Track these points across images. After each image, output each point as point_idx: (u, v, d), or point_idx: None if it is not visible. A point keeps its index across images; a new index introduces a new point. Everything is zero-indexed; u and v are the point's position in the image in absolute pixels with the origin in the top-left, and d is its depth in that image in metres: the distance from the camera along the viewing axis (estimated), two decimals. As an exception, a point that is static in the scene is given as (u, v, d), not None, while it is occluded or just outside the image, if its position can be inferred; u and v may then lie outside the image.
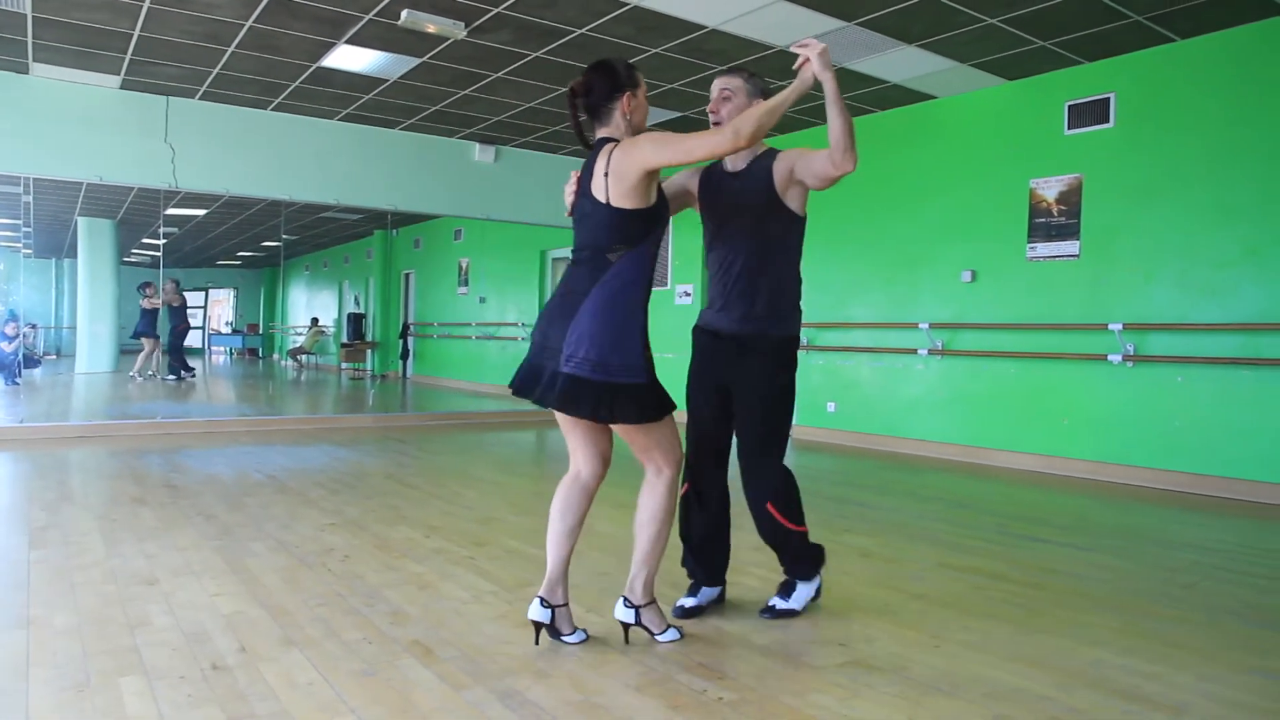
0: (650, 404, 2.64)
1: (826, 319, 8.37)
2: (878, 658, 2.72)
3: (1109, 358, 6.23)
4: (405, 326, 15.01)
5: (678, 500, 2.85)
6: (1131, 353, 6.13)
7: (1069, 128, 6.56)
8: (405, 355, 14.95)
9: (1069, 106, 6.56)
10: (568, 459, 2.93)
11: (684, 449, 2.85)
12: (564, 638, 2.75)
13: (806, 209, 3.02)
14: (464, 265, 14.03)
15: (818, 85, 2.73)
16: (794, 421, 9.33)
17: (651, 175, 2.59)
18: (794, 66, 2.78)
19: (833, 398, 8.33)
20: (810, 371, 8.53)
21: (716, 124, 2.90)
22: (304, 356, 15.02)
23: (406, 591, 3.31)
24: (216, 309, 15.65)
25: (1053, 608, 3.29)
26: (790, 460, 7.63)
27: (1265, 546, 4.44)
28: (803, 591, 3.10)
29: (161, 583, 3.34)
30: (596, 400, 2.56)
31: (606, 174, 2.60)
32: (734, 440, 3.09)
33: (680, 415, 2.91)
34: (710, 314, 3.10)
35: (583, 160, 2.81)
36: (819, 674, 2.59)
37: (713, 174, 3.08)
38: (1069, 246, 6.54)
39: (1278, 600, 3.48)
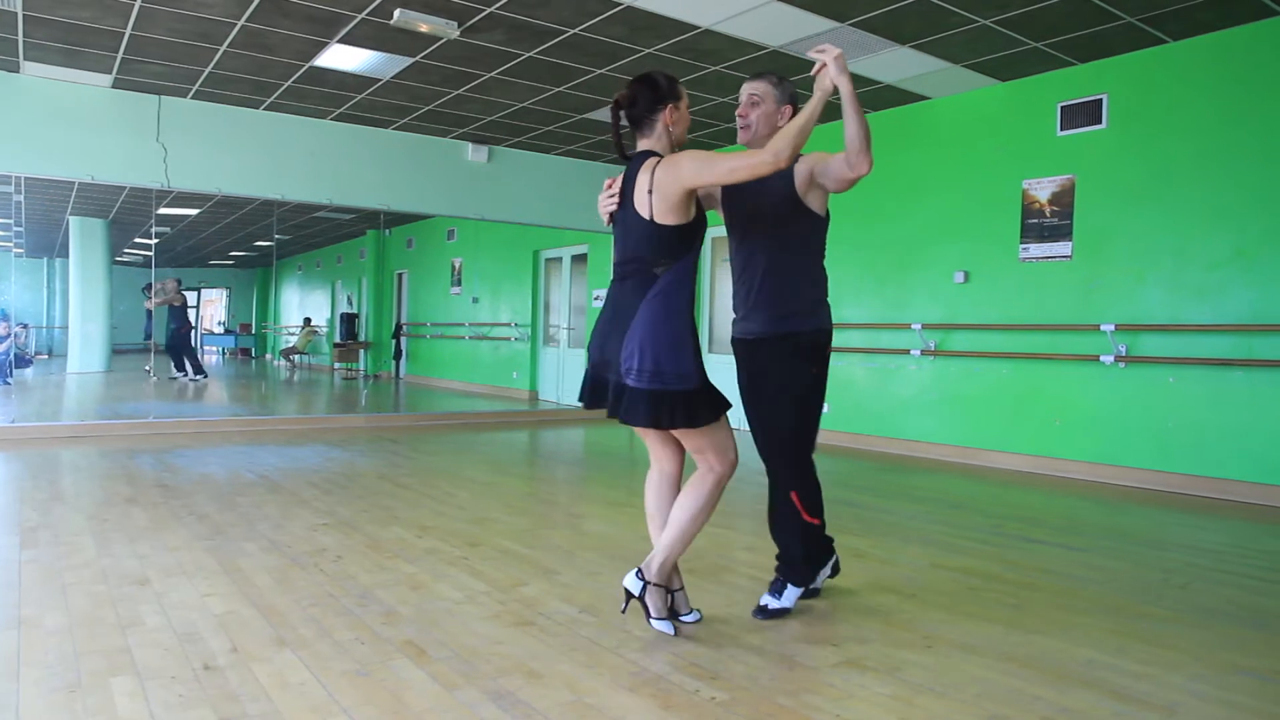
0: (704, 407, 2.74)
1: (820, 319, 8.37)
2: (871, 658, 2.72)
3: (1101, 358, 6.25)
4: (398, 326, 15.00)
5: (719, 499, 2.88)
6: (1124, 353, 6.15)
7: (1061, 129, 6.58)
8: (398, 355, 14.93)
9: (1061, 107, 6.58)
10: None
11: (737, 454, 2.90)
12: (651, 619, 2.80)
13: (829, 209, 3.10)
14: (457, 265, 14.02)
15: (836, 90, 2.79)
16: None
17: (692, 193, 2.69)
18: (812, 73, 2.83)
19: (826, 398, 8.32)
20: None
21: (744, 128, 3.03)
22: (297, 356, 14.99)
23: (399, 592, 3.30)
24: (209, 309, 15.61)
25: (1045, 608, 3.30)
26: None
27: (1257, 547, 4.46)
28: (793, 590, 3.12)
29: (153, 583, 3.32)
30: (656, 409, 2.67)
31: (650, 190, 2.69)
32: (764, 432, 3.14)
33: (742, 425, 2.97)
34: (739, 322, 3.18)
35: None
36: (812, 674, 2.59)
37: None
38: (1061, 247, 6.56)
39: (1270, 601, 3.49)
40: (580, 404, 2.96)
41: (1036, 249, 6.72)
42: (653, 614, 2.79)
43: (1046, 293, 6.65)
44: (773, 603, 3.09)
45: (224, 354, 16.06)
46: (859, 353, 8.04)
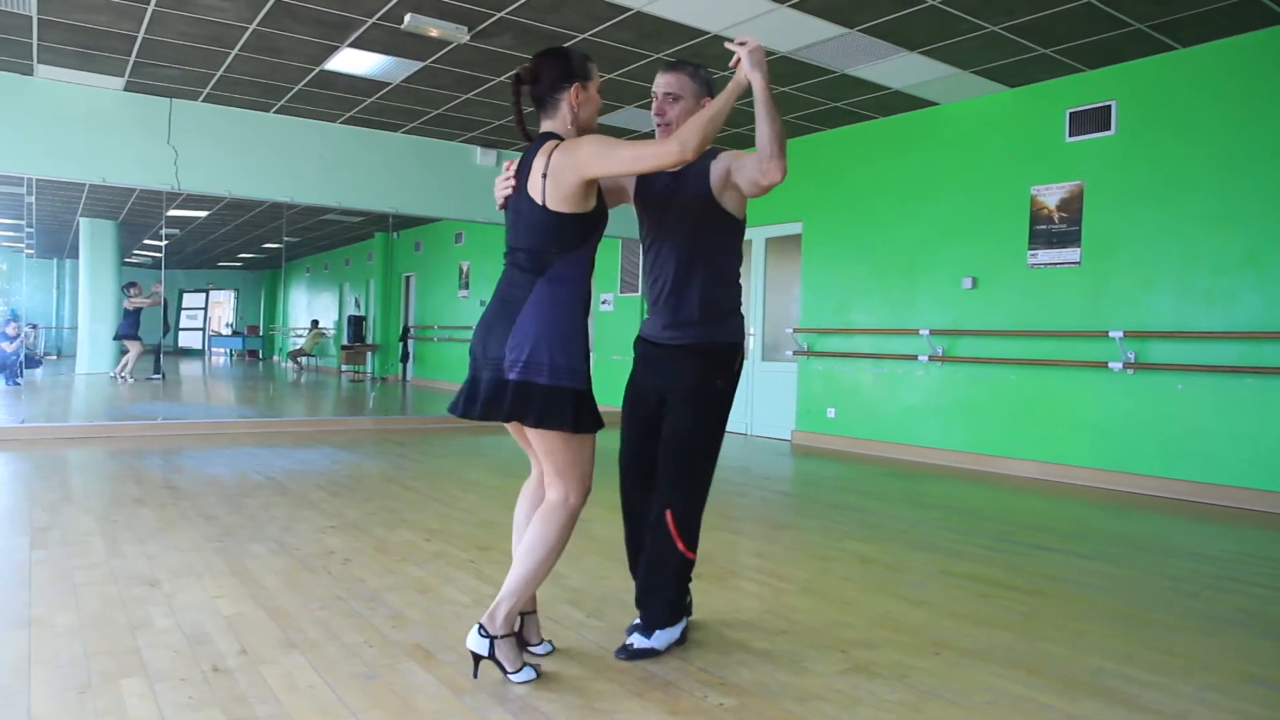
0: (588, 412, 2.48)
1: (827, 324, 8.38)
2: (879, 665, 2.72)
3: (1109, 365, 6.24)
4: (405, 329, 15.01)
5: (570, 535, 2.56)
6: (1132, 360, 6.13)
7: (1070, 135, 6.57)
8: (405, 358, 14.94)
9: (1070, 114, 6.57)
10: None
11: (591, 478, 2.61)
12: (509, 675, 2.49)
13: (746, 212, 2.85)
14: (465, 268, 14.04)
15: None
16: (794, 427, 9.21)
17: (592, 182, 2.46)
18: (730, 65, 2.59)
19: (833, 403, 8.33)
20: (811, 377, 8.54)
21: (664, 125, 2.74)
22: (304, 359, 15.01)
23: (407, 595, 3.31)
24: (217, 310, 15.65)
25: (1054, 616, 3.29)
26: (790, 466, 7.63)
27: (1267, 555, 4.44)
28: (665, 632, 2.76)
29: (163, 584, 3.34)
30: (544, 403, 2.41)
31: (545, 175, 2.44)
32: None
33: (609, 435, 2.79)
34: (647, 322, 2.94)
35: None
36: (820, 681, 2.59)
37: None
38: (1070, 253, 6.55)
39: (1279, 610, 3.47)
40: (450, 413, 2.61)
41: (1045, 255, 6.71)
42: (509, 669, 2.47)
43: (1055, 299, 6.63)
44: (640, 641, 2.73)
45: (232, 356, 16.10)
46: (866, 358, 8.03)
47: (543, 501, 2.57)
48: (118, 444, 7.23)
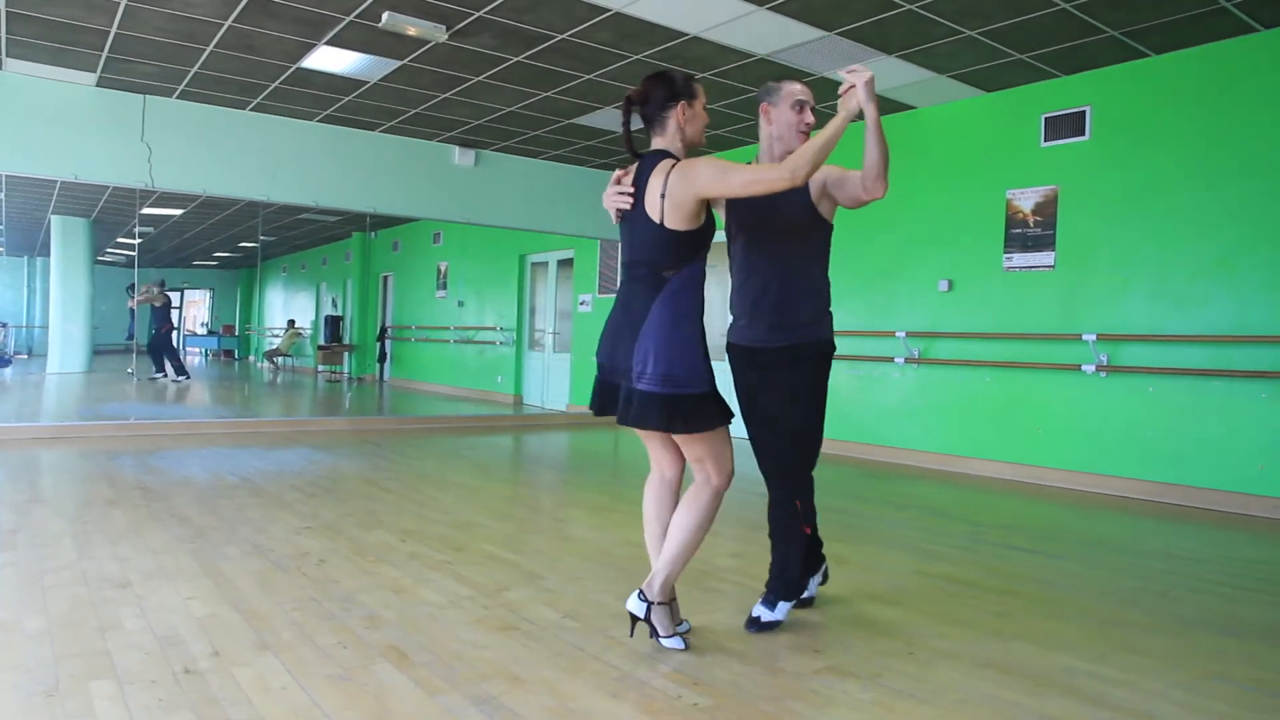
0: (711, 411, 2.71)
1: (805, 326, 8.40)
2: (853, 664, 2.74)
3: (1083, 368, 6.31)
4: (383, 329, 14.94)
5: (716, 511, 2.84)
6: (1105, 363, 6.21)
7: (1045, 140, 6.64)
8: (383, 358, 14.87)
9: (1045, 119, 6.64)
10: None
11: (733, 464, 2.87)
12: (661, 638, 2.78)
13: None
14: (443, 269, 13.99)
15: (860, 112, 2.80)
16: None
17: (704, 202, 2.69)
18: (839, 92, 2.83)
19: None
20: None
21: (804, 133, 2.98)
22: (280, 359, 14.91)
23: (382, 596, 3.30)
24: (192, 310, 15.51)
25: (1025, 615, 3.32)
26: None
27: (1234, 555, 4.51)
28: (785, 604, 3.06)
29: (134, 586, 3.30)
30: (669, 413, 2.65)
31: (663, 195, 2.65)
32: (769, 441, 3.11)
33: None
34: (742, 329, 3.14)
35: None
36: (794, 680, 2.60)
37: None
38: (1044, 257, 6.62)
39: (1245, 609, 3.53)
40: (590, 410, 2.91)
41: (1020, 258, 6.77)
42: (662, 634, 2.78)
43: (1029, 302, 6.70)
44: (766, 614, 3.03)
45: (207, 355, 15.96)
46: (843, 360, 8.07)
47: (664, 493, 2.90)
48: (90, 444, 7.15)
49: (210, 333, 15.64)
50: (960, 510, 5.51)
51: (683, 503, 2.81)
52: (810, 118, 3.01)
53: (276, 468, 6.30)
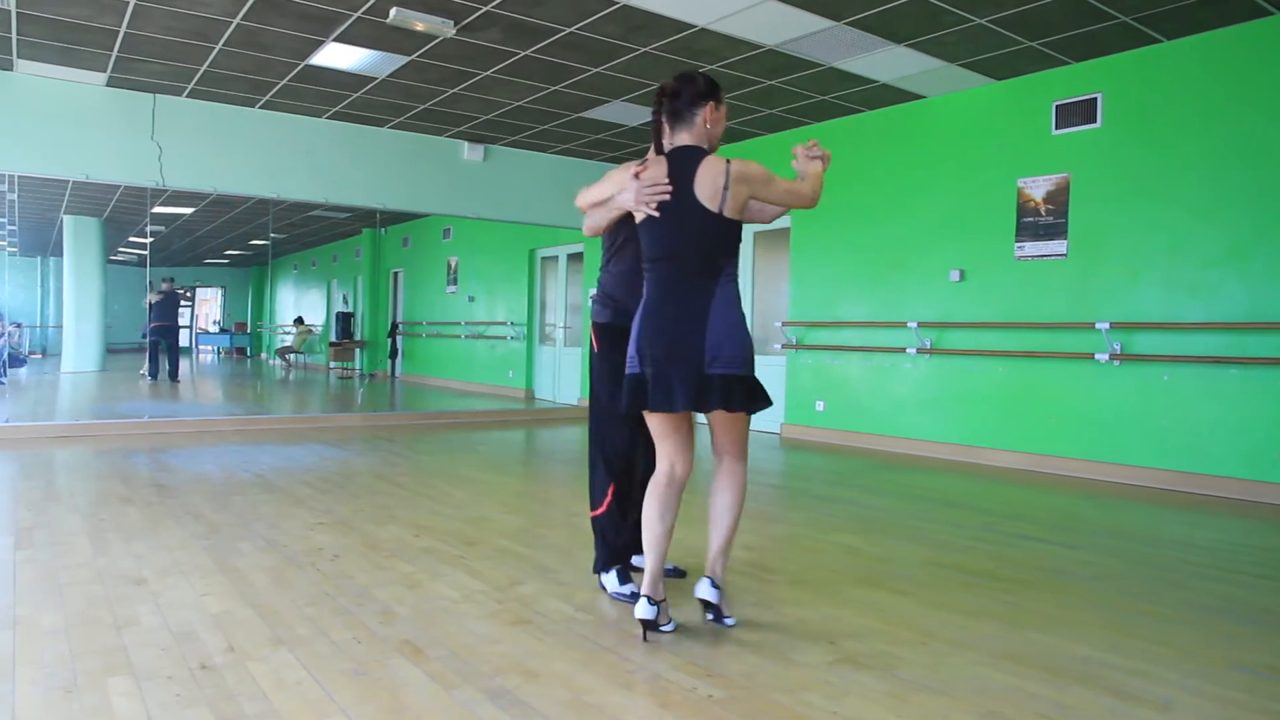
0: (764, 392, 2.86)
1: (815, 318, 8.39)
2: (867, 655, 2.73)
3: (1096, 356, 6.27)
4: (394, 325, 14.97)
5: None
6: (1118, 351, 6.16)
7: (1056, 128, 6.59)
8: (393, 354, 14.90)
9: (1056, 106, 6.59)
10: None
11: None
12: (660, 628, 2.86)
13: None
14: (453, 264, 14.00)
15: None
16: (783, 420, 9.23)
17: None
18: (804, 155, 3.05)
19: (821, 396, 8.35)
20: (799, 370, 8.55)
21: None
22: (292, 355, 14.96)
23: (396, 591, 3.30)
24: (204, 308, 15.58)
25: (1041, 605, 3.31)
26: (779, 459, 7.64)
27: (1251, 544, 4.48)
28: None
29: (149, 582, 3.32)
30: (753, 393, 2.79)
31: (726, 187, 2.75)
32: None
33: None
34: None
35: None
36: (808, 671, 2.59)
37: None
38: (1056, 246, 6.57)
39: (1264, 597, 3.50)
40: (621, 411, 2.97)
41: (1031, 247, 6.73)
42: (726, 614, 2.92)
43: (1042, 291, 6.66)
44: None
45: (219, 353, 16.02)
46: (855, 351, 8.05)
47: (670, 495, 2.89)
48: (104, 443, 7.19)
49: (222, 330, 15.71)
50: (974, 500, 5.49)
51: (723, 485, 2.93)
52: None
53: (289, 464, 6.33)
